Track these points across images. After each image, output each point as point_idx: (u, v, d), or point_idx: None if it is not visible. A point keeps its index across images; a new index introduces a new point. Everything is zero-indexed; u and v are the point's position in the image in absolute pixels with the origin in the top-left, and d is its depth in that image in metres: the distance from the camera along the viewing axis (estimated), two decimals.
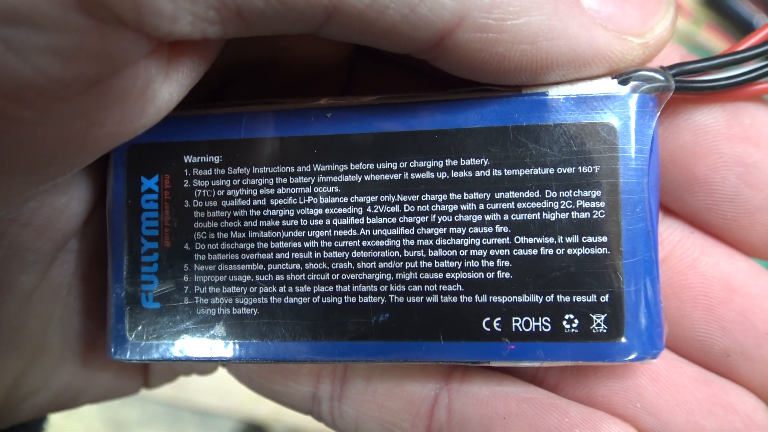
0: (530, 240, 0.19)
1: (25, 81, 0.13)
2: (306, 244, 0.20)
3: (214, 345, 0.20)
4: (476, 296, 0.19)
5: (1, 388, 0.22)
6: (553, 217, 0.19)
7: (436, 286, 0.19)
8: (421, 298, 0.19)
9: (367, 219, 0.19)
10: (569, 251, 0.18)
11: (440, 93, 0.19)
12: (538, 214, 0.19)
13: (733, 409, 0.20)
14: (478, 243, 0.19)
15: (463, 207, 0.19)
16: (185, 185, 0.20)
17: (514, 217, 0.19)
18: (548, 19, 0.16)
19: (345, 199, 0.20)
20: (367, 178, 0.19)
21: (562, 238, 0.18)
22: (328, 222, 0.20)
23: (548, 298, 0.19)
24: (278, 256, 0.20)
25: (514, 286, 0.19)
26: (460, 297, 0.19)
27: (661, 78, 0.18)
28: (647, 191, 0.18)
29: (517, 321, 0.19)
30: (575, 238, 0.18)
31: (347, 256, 0.19)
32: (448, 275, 0.19)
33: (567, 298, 0.18)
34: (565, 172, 0.18)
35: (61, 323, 0.22)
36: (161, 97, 0.17)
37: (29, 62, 0.13)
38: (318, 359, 0.20)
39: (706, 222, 0.20)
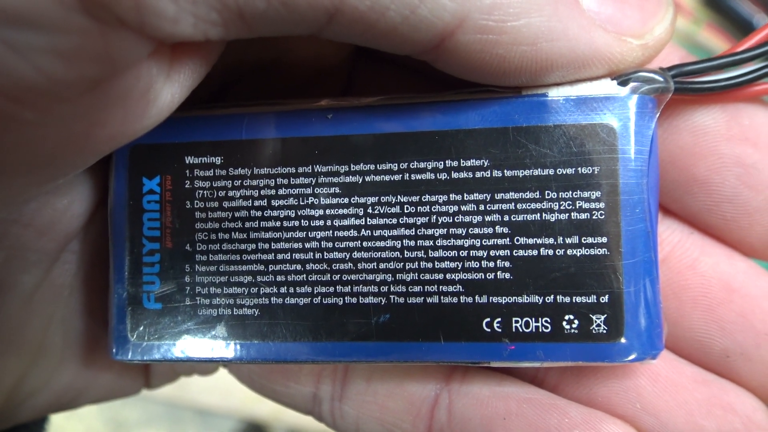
0: (530, 241, 0.19)
1: (26, 82, 0.13)
2: (307, 245, 0.20)
3: (216, 345, 0.20)
4: (476, 297, 0.19)
5: (2, 388, 0.22)
6: (553, 218, 0.19)
7: (436, 286, 0.19)
8: (422, 298, 0.19)
9: (368, 220, 0.19)
10: (569, 252, 0.18)
11: (440, 94, 0.19)
12: (538, 214, 0.19)
13: (732, 410, 0.20)
14: (479, 244, 0.19)
15: (463, 208, 0.19)
16: (187, 186, 0.20)
17: (514, 217, 0.19)
18: (548, 20, 0.16)
19: (346, 200, 0.20)
20: (367, 178, 0.20)
21: (561, 238, 0.19)
22: (328, 223, 0.20)
23: (548, 299, 0.19)
24: (279, 256, 0.20)
25: (515, 287, 0.19)
26: (461, 297, 0.19)
27: (661, 79, 0.18)
28: (647, 192, 0.18)
29: (517, 321, 0.19)
30: (575, 239, 0.18)
31: (348, 256, 0.20)
32: (448, 276, 0.19)
33: (567, 299, 0.18)
34: (564, 173, 0.18)
35: (63, 324, 0.22)
36: (163, 99, 0.17)
37: (31, 63, 0.13)
38: (319, 360, 0.20)
39: (706, 223, 0.20)
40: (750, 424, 0.20)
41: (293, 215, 0.20)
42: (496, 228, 0.19)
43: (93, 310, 0.23)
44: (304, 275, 0.20)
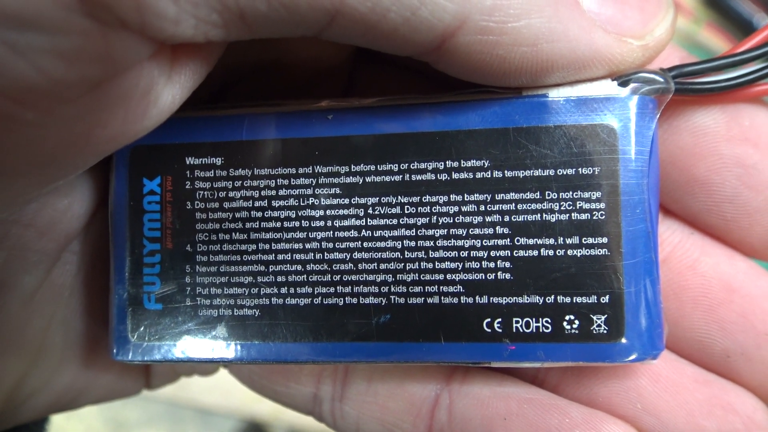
0: (531, 241, 0.19)
1: (28, 83, 0.13)
2: (307, 245, 0.20)
3: (216, 346, 0.20)
4: (477, 297, 0.19)
5: (3, 388, 0.22)
6: (554, 219, 0.19)
7: (437, 287, 0.19)
8: (422, 299, 0.19)
9: (368, 220, 0.19)
10: (569, 252, 0.18)
11: (441, 95, 0.19)
12: (539, 215, 0.19)
13: (733, 410, 0.20)
14: (479, 244, 0.19)
15: (463, 208, 0.19)
16: (187, 187, 0.20)
17: (514, 218, 0.19)
18: (548, 21, 0.16)
19: (346, 201, 0.20)
20: (368, 179, 0.20)
21: (562, 239, 0.19)
22: (329, 223, 0.20)
23: (549, 299, 0.19)
24: (280, 257, 0.20)
25: (515, 287, 0.19)
26: (461, 298, 0.19)
27: (661, 80, 0.18)
28: (647, 192, 0.18)
29: (517, 322, 0.19)
30: (575, 239, 0.18)
31: (348, 257, 0.20)
32: (448, 276, 0.19)
33: (567, 299, 0.19)
34: (565, 173, 0.18)
35: (63, 324, 0.22)
36: (163, 100, 0.17)
37: (33, 64, 0.13)
38: (319, 360, 0.20)
39: (706, 223, 0.20)
40: (750, 424, 0.20)
41: (294, 216, 0.20)
42: (497, 228, 0.19)
43: (93, 310, 0.23)
44: (305, 276, 0.20)
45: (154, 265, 0.21)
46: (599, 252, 0.18)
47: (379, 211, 0.19)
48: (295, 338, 0.20)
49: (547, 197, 0.19)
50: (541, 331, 0.19)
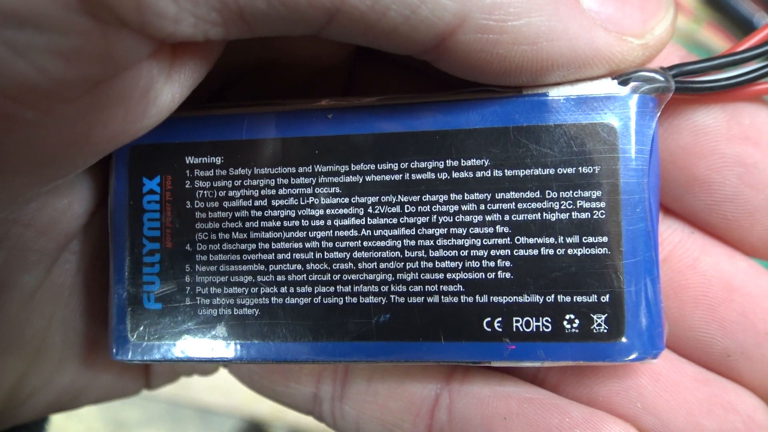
0: (531, 240, 0.19)
1: (28, 82, 0.13)
2: (307, 245, 0.20)
3: (216, 345, 0.20)
4: (477, 296, 0.19)
5: (3, 388, 0.22)
6: (554, 218, 0.19)
7: (437, 286, 0.19)
8: (422, 298, 0.19)
9: (368, 219, 0.19)
10: (570, 251, 0.18)
11: (441, 94, 0.19)
12: (539, 214, 0.19)
13: (733, 409, 0.20)
14: (479, 243, 0.19)
15: (463, 207, 0.19)
16: (187, 186, 0.20)
17: (514, 217, 0.19)
18: (548, 20, 0.16)
19: (346, 200, 0.20)
20: (368, 178, 0.20)
21: (562, 238, 0.19)
22: (329, 222, 0.20)
23: (549, 298, 0.19)
24: (279, 256, 0.20)
25: (515, 287, 0.19)
26: (461, 297, 0.19)
27: (661, 79, 0.18)
28: (647, 191, 0.18)
29: (517, 321, 0.19)
30: (576, 239, 0.18)
31: (348, 256, 0.20)
32: (448, 275, 0.19)
33: (567, 298, 0.18)
34: (565, 172, 0.18)
35: (63, 324, 0.22)
36: (163, 99, 0.17)
37: (32, 63, 0.13)
38: (319, 359, 0.20)
39: (707, 222, 0.20)
40: (751, 423, 0.20)
41: (293, 215, 0.20)
42: (497, 227, 0.19)
43: (93, 310, 0.23)
44: (305, 275, 0.20)
45: (153, 265, 0.21)
46: (599, 251, 0.18)
47: (379, 210, 0.19)
48: (294, 338, 0.20)
49: (547, 196, 0.19)
50: (541, 330, 0.19)
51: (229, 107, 0.21)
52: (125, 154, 0.21)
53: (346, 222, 0.20)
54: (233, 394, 0.58)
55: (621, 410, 0.20)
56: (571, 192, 0.18)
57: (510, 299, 0.19)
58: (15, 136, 0.15)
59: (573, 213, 0.18)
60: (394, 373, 0.22)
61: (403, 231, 0.19)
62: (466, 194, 0.19)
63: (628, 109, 0.18)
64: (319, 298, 0.20)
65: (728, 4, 0.49)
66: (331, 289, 0.20)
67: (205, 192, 0.20)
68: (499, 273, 0.19)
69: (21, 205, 0.19)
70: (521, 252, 0.19)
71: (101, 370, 0.24)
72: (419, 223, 0.19)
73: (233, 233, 0.20)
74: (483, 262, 0.19)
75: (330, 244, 0.20)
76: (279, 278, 0.20)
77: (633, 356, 0.18)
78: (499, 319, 0.19)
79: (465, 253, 0.19)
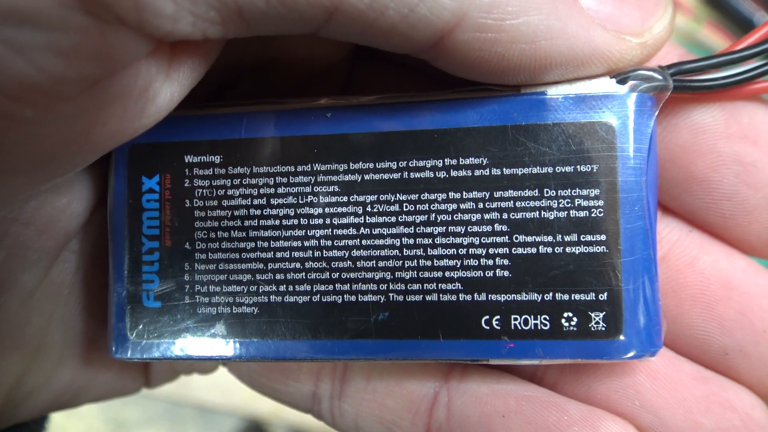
0: (529, 238, 0.19)
1: (27, 80, 0.14)
2: (306, 243, 0.20)
3: (215, 344, 0.20)
4: (475, 295, 0.19)
5: (2, 387, 0.22)
6: (552, 216, 0.19)
7: (435, 284, 0.19)
8: (421, 296, 0.19)
9: (367, 218, 0.20)
10: (568, 250, 0.19)
11: (440, 92, 0.19)
12: (537, 212, 0.19)
13: (731, 407, 0.20)
14: (478, 242, 0.19)
15: (462, 206, 0.19)
16: (186, 185, 0.20)
17: (513, 215, 0.19)
18: (547, 18, 0.16)
19: (345, 199, 0.20)
20: (366, 177, 0.20)
21: (560, 236, 0.19)
22: (328, 221, 0.20)
23: (547, 297, 0.19)
24: (278, 255, 0.20)
25: (513, 285, 0.19)
26: (460, 295, 0.19)
27: (659, 77, 0.18)
28: (645, 190, 0.18)
29: (516, 319, 0.19)
30: (574, 237, 0.18)
31: (347, 255, 0.20)
32: (447, 274, 0.19)
33: (566, 297, 0.19)
34: (563, 171, 0.19)
35: (63, 322, 0.22)
36: (162, 97, 0.17)
37: (32, 62, 0.13)
38: (318, 357, 0.20)
39: (705, 220, 0.20)
40: (748, 420, 0.20)
41: (292, 214, 0.20)
42: (495, 226, 0.19)
43: (93, 309, 0.23)
44: (304, 273, 0.20)
45: (152, 263, 0.21)
46: (598, 249, 0.18)
47: (378, 209, 0.19)
48: (293, 336, 0.20)
49: (545, 195, 0.19)
50: (539, 328, 0.19)
51: (228, 106, 0.21)
52: (124, 153, 0.21)
53: (344, 221, 0.20)
54: (233, 393, 0.58)
55: (619, 408, 0.20)
56: (569, 190, 0.18)
57: (508, 297, 0.19)
58: (14, 135, 0.15)
59: (571, 211, 0.19)
60: (393, 372, 0.22)
61: (401, 229, 0.19)
62: (464, 193, 0.19)
63: (627, 108, 0.18)
64: (318, 296, 0.20)
65: (728, 3, 0.49)
66: (330, 287, 0.20)
67: (204, 191, 0.20)
68: (497, 271, 0.19)
69: (20, 203, 0.19)
70: (520, 250, 0.19)
71: (101, 368, 0.24)
72: (418, 221, 0.19)
73: (232, 232, 0.20)
74: (481, 260, 0.19)
75: (329, 243, 0.20)
76: (278, 276, 0.20)
77: (631, 354, 0.18)
78: (498, 317, 0.19)
79: (463, 251, 0.19)
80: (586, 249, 0.18)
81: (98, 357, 0.23)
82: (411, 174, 0.19)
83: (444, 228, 0.19)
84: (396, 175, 0.19)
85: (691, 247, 0.21)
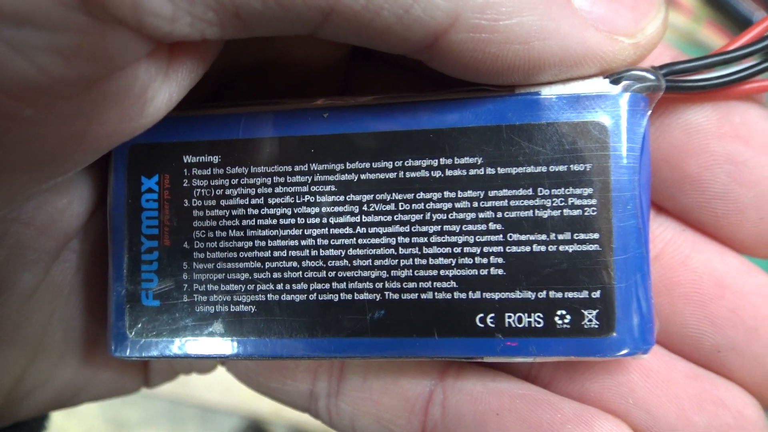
0: (523, 237, 0.19)
1: (27, 80, 0.14)
2: (303, 243, 0.20)
3: (213, 342, 0.20)
4: (470, 293, 0.19)
5: (2, 385, 0.22)
6: (546, 215, 0.19)
7: (430, 282, 0.19)
8: (416, 294, 0.19)
9: (363, 217, 0.20)
10: (561, 248, 0.19)
11: (435, 93, 0.20)
12: (531, 211, 0.19)
13: (723, 405, 0.20)
14: (472, 240, 0.19)
15: (457, 205, 0.19)
16: (185, 185, 0.21)
17: (507, 214, 0.19)
18: (540, 19, 0.17)
19: (341, 198, 0.20)
20: (363, 176, 0.20)
21: (554, 235, 0.19)
22: (324, 220, 0.20)
23: (541, 294, 0.19)
24: (276, 254, 0.20)
25: (507, 283, 0.19)
26: (454, 294, 0.19)
27: (652, 77, 0.18)
28: (638, 189, 0.18)
29: (510, 317, 0.19)
30: (567, 235, 0.19)
31: (343, 253, 0.20)
32: (442, 272, 0.19)
33: (559, 294, 0.19)
34: (557, 170, 0.19)
35: (63, 321, 0.22)
36: (161, 97, 0.17)
37: (32, 61, 0.13)
38: (315, 356, 0.20)
39: (698, 219, 0.21)
40: (740, 418, 0.20)
41: (290, 213, 0.20)
42: (490, 225, 0.19)
43: (93, 308, 0.23)
44: (300, 272, 0.20)
45: (151, 263, 0.21)
46: (591, 248, 0.18)
47: (374, 208, 0.20)
48: (290, 334, 0.20)
49: (539, 194, 0.19)
50: (533, 326, 0.19)
51: (226, 107, 0.21)
52: (124, 154, 0.21)
53: (341, 220, 0.20)
54: (233, 392, 0.59)
55: (612, 406, 0.20)
56: (562, 189, 0.19)
57: (502, 295, 0.19)
58: (14, 134, 0.15)
59: (565, 210, 0.19)
60: (389, 370, 0.22)
61: (397, 228, 0.19)
62: (459, 192, 0.19)
63: (620, 108, 0.18)
64: (315, 294, 0.20)
65: (728, 3, 0.49)
66: (327, 286, 0.20)
67: (203, 190, 0.21)
68: (491, 269, 0.19)
69: (21, 203, 0.19)
70: (514, 249, 0.19)
71: (100, 367, 0.24)
72: (413, 220, 0.19)
73: (230, 231, 0.20)
74: (476, 258, 0.19)
75: (325, 242, 0.20)
76: (275, 275, 0.20)
77: (624, 351, 0.19)
78: (492, 315, 0.19)
79: (458, 250, 0.19)
80: (579, 247, 0.19)
81: (98, 356, 0.24)
82: (407, 173, 0.19)
83: (439, 227, 0.19)
84: (392, 175, 0.20)
85: (684, 245, 0.21)
